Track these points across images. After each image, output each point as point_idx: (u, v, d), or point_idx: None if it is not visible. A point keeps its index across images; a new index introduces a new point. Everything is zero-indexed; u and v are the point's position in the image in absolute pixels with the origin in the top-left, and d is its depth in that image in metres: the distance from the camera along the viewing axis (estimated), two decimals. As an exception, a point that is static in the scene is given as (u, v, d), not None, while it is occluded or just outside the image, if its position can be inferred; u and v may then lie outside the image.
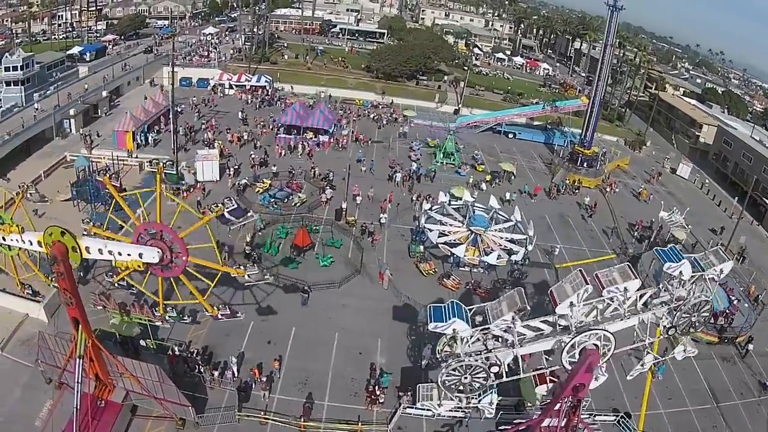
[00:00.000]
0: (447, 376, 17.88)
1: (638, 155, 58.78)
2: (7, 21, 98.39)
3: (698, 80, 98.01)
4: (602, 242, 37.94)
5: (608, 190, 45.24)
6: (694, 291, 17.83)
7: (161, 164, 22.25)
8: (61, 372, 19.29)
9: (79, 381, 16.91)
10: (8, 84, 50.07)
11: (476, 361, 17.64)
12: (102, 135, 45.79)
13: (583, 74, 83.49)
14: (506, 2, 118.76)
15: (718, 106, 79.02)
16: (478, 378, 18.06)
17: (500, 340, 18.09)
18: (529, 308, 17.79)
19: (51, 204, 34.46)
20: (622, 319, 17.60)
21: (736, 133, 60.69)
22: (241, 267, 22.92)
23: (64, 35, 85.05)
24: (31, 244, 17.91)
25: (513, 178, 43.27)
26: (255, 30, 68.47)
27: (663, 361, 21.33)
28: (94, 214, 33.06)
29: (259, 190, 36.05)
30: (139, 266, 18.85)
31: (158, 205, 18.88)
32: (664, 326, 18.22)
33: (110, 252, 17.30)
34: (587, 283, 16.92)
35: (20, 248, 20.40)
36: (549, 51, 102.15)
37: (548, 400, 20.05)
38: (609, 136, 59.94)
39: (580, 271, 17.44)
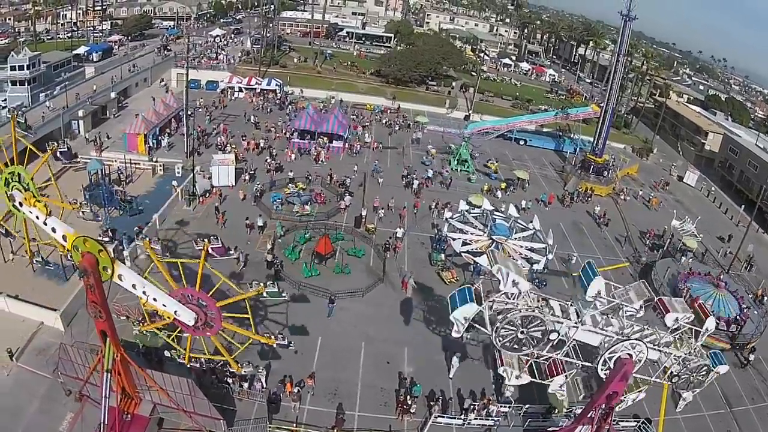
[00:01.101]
0: (502, 330, 17.59)
1: (646, 163, 59.25)
2: (9, 19, 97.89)
3: (701, 87, 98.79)
4: (616, 250, 38.18)
5: (621, 198, 45.56)
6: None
7: (207, 240, 21.19)
8: (83, 384, 18.96)
9: (107, 395, 16.56)
10: (14, 83, 49.57)
11: (535, 311, 17.54)
12: (111, 137, 45.37)
13: (588, 80, 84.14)
14: (509, 7, 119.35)
15: (722, 113, 79.83)
16: (535, 332, 17.79)
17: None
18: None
19: (63, 208, 34.05)
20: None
21: (742, 141, 61.36)
22: (272, 336, 20.97)
23: (68, 35, 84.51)
24: (54, 231, 16.53)
25: (527, 185, 43.48)
26: (264, 32, 68.35)
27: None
28: (108, 219, 32.75)
29: (287, 191, 36.03)
30: (169, 317, 17.99)
31: (200, 273, 17.58)
32: (672, 372, 18.95)
33: (144, 293, 16.28)
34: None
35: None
36: (553, 56, 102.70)
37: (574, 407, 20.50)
38: (616, 143, 60.34)
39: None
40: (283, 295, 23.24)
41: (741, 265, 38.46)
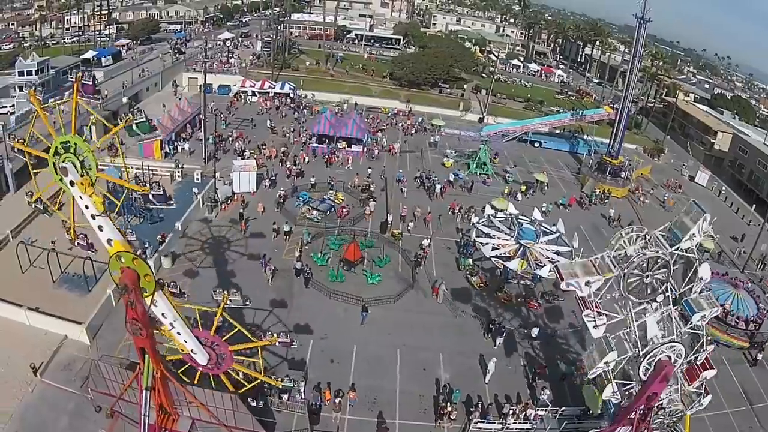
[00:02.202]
0: (630, 278, 16.42)
1: (657, 163, 59.44)
2: (12, 24, 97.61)
3: (706, 85, 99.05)
4: (635, 252, 38.36)
5: (640, 200, 45.79)
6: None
7: (226, 292, 20.08)
8: (116, 401, 18.68)
9: (146, 414, 16.23)
10: (22, 89, 48.75)
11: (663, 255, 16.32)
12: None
13: (596, 80, 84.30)
14: (513, 7, 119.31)
15: (729, 112, 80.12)
16: (658, 275, 16.68)
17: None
18: None
19: (79, 215, 33.81)
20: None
21: (751, 140, 61.66)
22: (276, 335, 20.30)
23: (74, 39, 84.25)
24: (101, 231, 14.28)
25: (546, 188, 43.66)
26: (275, 35, 68.26)
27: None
28: (129, 227, 31.71)
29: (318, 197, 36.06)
30: (183, 349, 17.46)
31: (216, 320, 17.32)
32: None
33: (172, 325, 15.80)
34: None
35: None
36: (559, 56, 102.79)
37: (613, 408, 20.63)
38: (628, 144, 60.10)
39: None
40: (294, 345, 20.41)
41: (755, 265, 38.78)
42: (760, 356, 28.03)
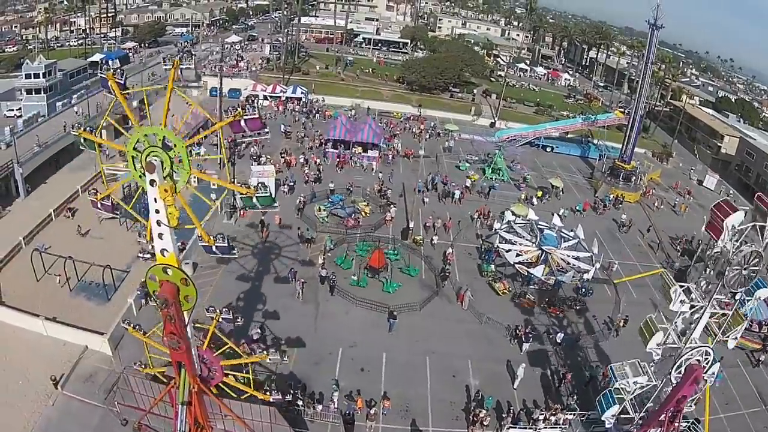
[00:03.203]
0: (732, 273, 17.77)
1: (666, 167, 59.80)
2: (15, 27, 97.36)
3: (710, 88, 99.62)
4: (650, 257, 38.68)
5: (654, 205, 46.15)
6: None
7: (219, 311, 19.27)
8: (144, 414, 18.33)
9: (183, 430, 15.69)
10: (29, 92, 48.84)
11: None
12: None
13: (602, 84, 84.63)
14: (516, 10, 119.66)
15: (734, 115, 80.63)
16: (754, 270, 18.30)
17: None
18: None
19: (95, 222, 32.37)
20: None
21: (757, 144, 62.16)
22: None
23: (79, 42, 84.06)
24: (160, 238, 13.15)
25: (561, 193, 43.94)
26: (285, 39, 68.31)
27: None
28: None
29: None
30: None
31: (209, 336, 16.99)
32: None
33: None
34: None
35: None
36: (563, 59, 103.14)
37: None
38: (637, 148, 60.52)
39: None
40: (284, 360, 20.02)
41: (765, 268, 39.08)
42: (762, 357, 28.49)
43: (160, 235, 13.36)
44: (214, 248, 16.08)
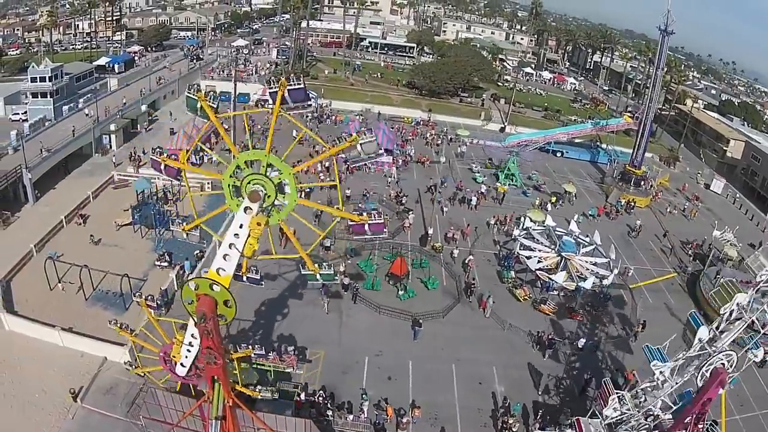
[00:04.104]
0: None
1: (673, 171, 60.13)
2: (18, 30, 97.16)
3: (713, 91, 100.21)
4: (663, 261, 38.94)
5: (666, 210, 46.46)
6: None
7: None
8: (171, 428, 18.27)
9: None
10: (35, 96, 48.40)
11: None
12: (147, 152, 45.03)
13: (605, 88, 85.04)
14: (519, 14, 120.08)
15: (737, 118, 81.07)
16: None
17: None
18: None
19: (107, 229, 32.42)
20: None
21: (763, 148, 62.51)
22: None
23: (84, 45, 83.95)
24: (224, 260, 12.20)
25: (574, 199, 44.21)
26: (294, 43, 68.37)
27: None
28: (161, 242, 32.03)
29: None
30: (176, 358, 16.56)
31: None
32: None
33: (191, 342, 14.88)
34: None
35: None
36: (567, 63, 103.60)
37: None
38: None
39: None
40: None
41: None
42: None
43: (225, 256, 12.52)
44: (244, 278, 15.35)
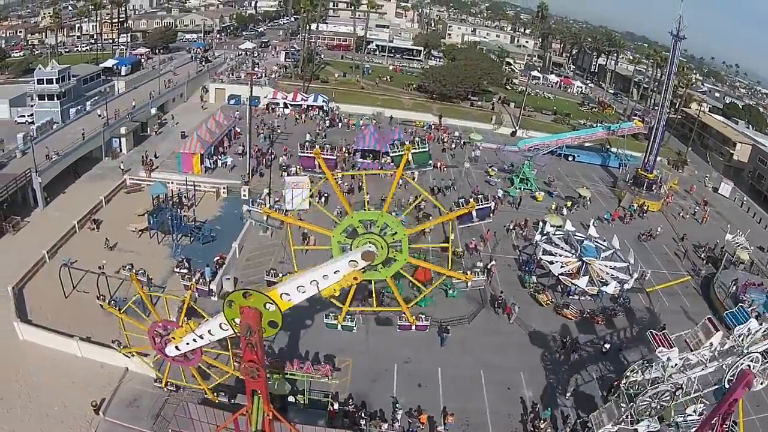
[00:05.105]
0: None
1: (681, 175, 60.48)
2: (20, 32, 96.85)
3: (716, 94, 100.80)
4: (677, 265, 39.18)
5: (679, 214, 46.73)
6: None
7: (194, 281, 19.55)
8: None
9: None
10: (42, 98, 47.94)
11: None
12: (159, 156, 44.01)
13: (611, 91, 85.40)
14: (522, 16, 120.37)
15: (742, 121, 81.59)
16: None
17: None
18: None
19: (122, 234, 31.86)
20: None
21: (770, 151, 62.98)
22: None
23: (88, 47, 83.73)
24: (319, 284, 12.75)
25: (589, 203, 44.42)
26: (303, 46, 68.33)
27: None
28: (179, 248, 31.73)
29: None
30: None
31: (184, 308, 16.56)
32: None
33: (202, 337, 14.91)
34: None
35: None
36: (573, 67, 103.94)
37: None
38: (652, 156, 61.42)
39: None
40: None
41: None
42: None
43: (300, 287, 12.70)
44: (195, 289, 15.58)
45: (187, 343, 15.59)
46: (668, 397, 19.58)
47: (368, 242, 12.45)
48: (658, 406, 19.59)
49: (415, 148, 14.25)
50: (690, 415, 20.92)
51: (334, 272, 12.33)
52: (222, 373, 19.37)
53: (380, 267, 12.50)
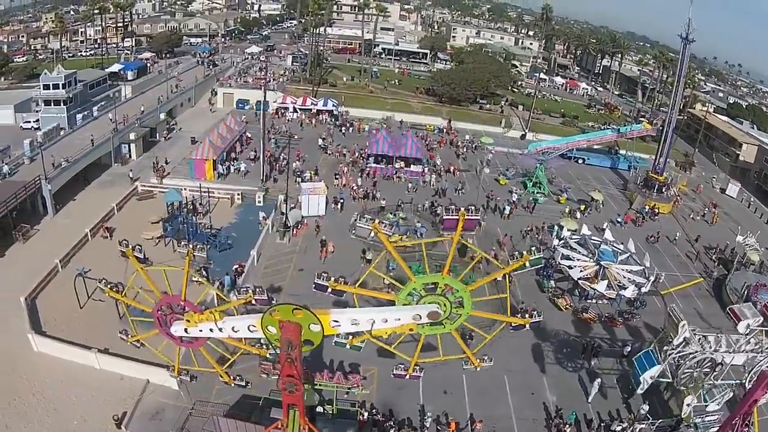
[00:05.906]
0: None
1: (689, 176, 60.70)
2: (22, 36, 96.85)
3: (720, 94, 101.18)
4: (689, 267, 39.42)
5: (690, 216, 46.98)
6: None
7: (191, 249, 18.36)
8: None
9: None
10: (48, 103, 47.38)
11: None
12: (170, 162, 43.90)
13: (616, 93, 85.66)
14: (524, 19, 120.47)
15: (746, 121, 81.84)
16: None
17: None
18: None
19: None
20: None
21: (777, 152, 63.29)
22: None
23: (92, 52, 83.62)
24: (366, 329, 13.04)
25: (601, 206, 44.66)
26: (311, 50, 68.47)
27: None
28: (194, 255, 31.35)
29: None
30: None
31: (184, 282, 15.85)
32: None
33: (223, 330, 14.52)
34: None
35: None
36: (577, 68, 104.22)
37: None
38: (661, 158, 61.60)
39: None
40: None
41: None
42: None
43: (353, 322, 13.03)
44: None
45: (201, 330, 15.00)
46: (709, 367, 20.12)
47: (435, 302, 12.97)
48: (702, 375, 20.03)
49: (532, 255, 15.68)
50: (708, 415, 21.37)
51: (396, 319, 12.82)
52: (234, 350, 17.93)
53: (445, 321, 13.34)
